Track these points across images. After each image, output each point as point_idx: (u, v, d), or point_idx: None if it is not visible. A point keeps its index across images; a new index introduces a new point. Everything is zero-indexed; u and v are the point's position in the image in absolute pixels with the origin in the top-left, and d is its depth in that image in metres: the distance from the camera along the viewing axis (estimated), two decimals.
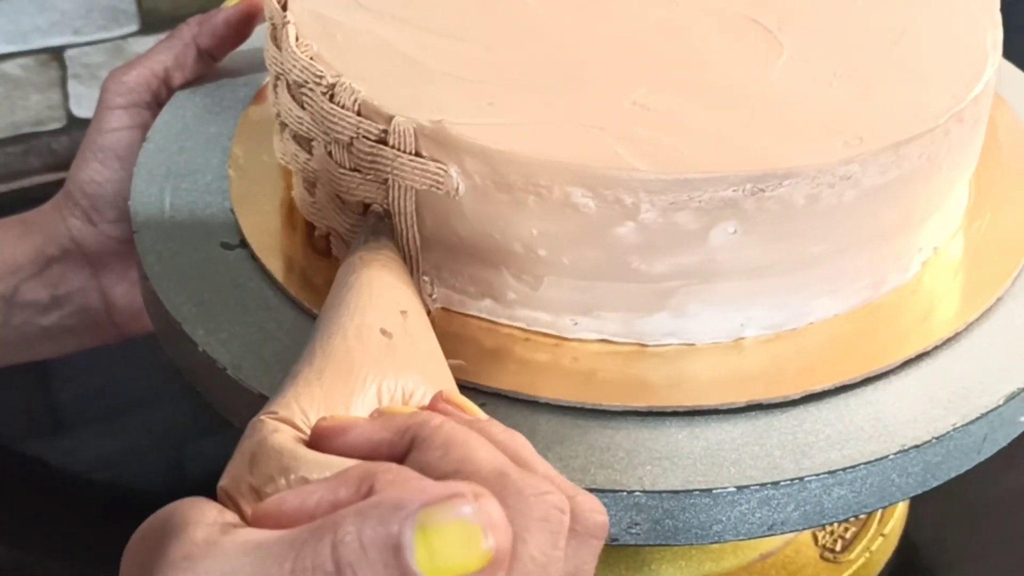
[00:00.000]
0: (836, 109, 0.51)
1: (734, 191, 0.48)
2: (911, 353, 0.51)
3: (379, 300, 0.45)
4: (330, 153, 0.52)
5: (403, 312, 0.45)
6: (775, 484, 0.47)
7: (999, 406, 0.50)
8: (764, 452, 0.48)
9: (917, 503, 0.67)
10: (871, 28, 0.56)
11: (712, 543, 0.48)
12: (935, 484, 0.50)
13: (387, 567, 0.32)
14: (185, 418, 0.72)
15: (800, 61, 0.53)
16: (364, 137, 0.50)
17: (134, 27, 0.92)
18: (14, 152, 0.92)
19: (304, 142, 0.54)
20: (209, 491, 0.68)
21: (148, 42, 0.89)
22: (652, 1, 0.57)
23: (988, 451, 0.51)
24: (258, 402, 0.50)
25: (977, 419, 0.49)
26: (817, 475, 0.47)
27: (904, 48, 0.54)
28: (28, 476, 0.71)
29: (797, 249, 0.50)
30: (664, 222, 0.48)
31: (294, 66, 0.53)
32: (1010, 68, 0.66)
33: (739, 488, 0.46)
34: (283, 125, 0.56)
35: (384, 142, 0.50)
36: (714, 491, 0.46)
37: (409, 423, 0.37)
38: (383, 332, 0.43)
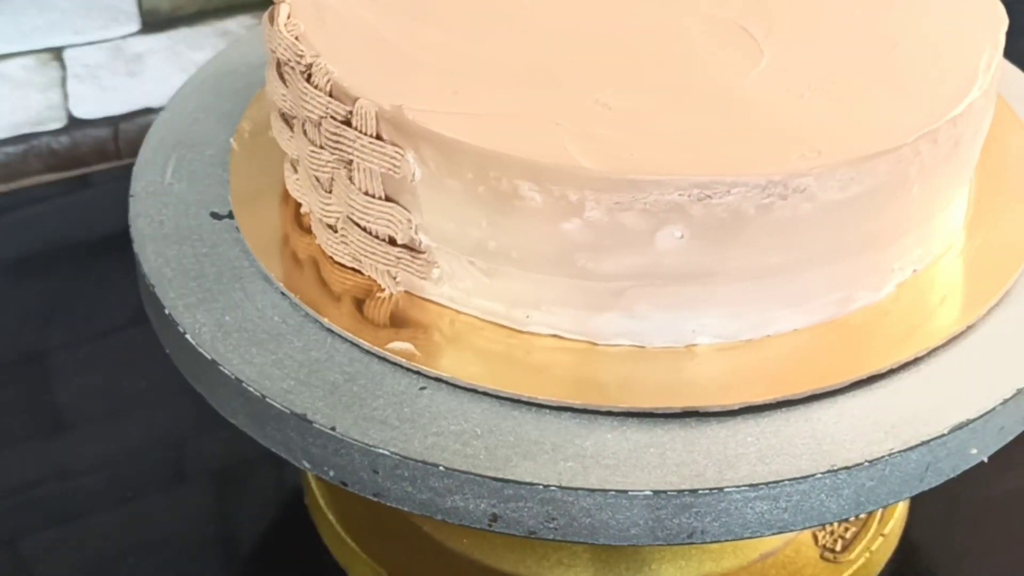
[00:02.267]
0: (801, 120, 0.50)
1: (680, 195, 0.47)
2: (863, 374, 0.50)
3: None
4: (305, 131, 0.53)
5: None
6: (694, 492, 0.47)
7: (942, 435, 0.49)
8: (690, 459, 0.48)
9: (917, 503, 0.67)
10: (863, 41, 0.55)
11: (612, 544, 0.48)
12: (870, 508, 0.49)
13: None
14: (185, 418, 0.73)
15: (778, 70, 0.52)
16: (331, 117, 0.51)
17: (134, 27, 0.92)
18: (14, 152, 0.92)
19: (288, 120, 0.55)
20: (210, 491, 0.69)
21: (148, 42, 0.89)
22: (645, 3, 0.56)
23: (933, 480, 0.50)
24: (211, 367, 0.52)
25: (917, 446, 0.48)
26: (738, 487, 0.47)
27: (891, 63, 0.53)
28: (28, 476, 0.71)
29: (749, 258, 0.49)
30: (610, 221, 0.48)
31: (279, 44, 0.54)
32: (1011, 69, 0.64)
33: (619, 492, 0.46)
34: (273, 102, 0.57)
35: (349, 123, 0.51)
36: (606, 492, 0.46)
37: None
38: None
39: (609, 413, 0.49)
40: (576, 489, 0.47)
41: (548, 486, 0.47)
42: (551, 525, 0.47)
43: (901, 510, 0.66)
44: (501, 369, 0.51)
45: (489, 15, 0.56)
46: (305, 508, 0.67)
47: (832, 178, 0.48)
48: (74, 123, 0.94)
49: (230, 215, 0.58)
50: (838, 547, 0.64)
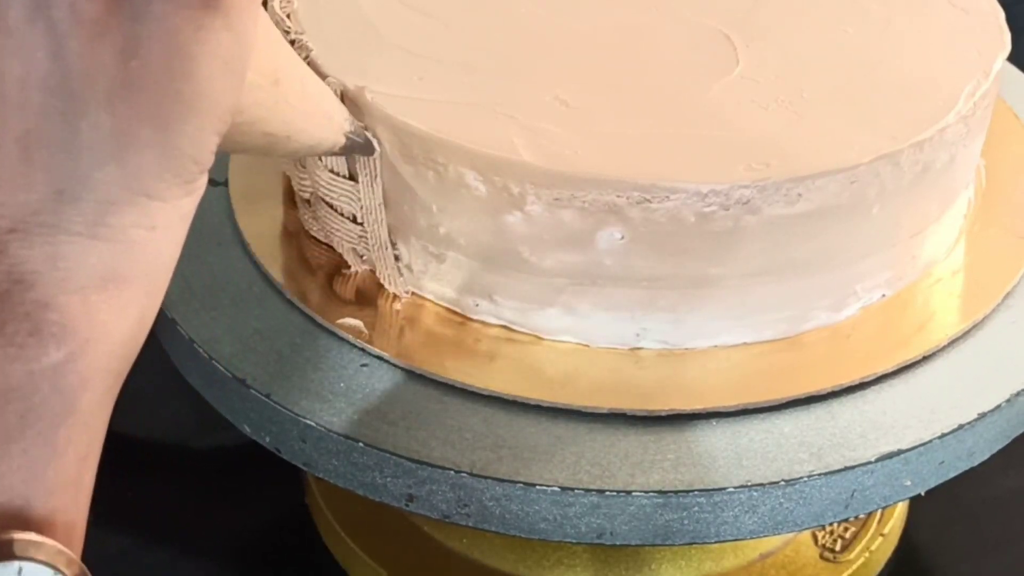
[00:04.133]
0: (758, 132, 0.49)
1: (618, 197, 0.47)
2: (799, 394, 0.50)
3: None
4: None
5: None
6: (601, 492, 0.47)
7: (868, 463, 0.48)
8: (604, 460, 0.48)
9: (917, 503, 0.67)
10: (846, 59, 0.54)
11: (538, 538, 0.48)
12: (790, 529, 0.48)
13: None
14: (185, 418, 0.73)
15: (748, 80, 0.52)
16: None
17: None
18: None
19: None
20: (210, 490, 0.69)
21: None
22: (634, 5, 0.56)
23: (860, 508, 0.49)
24: (171, 326, 0.53)
25: (840, 471, 0.47)
26: (646, 492, 0.46)
27: (868, 83, 0.52)
28: None
29: (690, 266, 0.49)
30: (550, 217, 0.48)
31: (272, 19, 0.55)
32: (1011, 69, 0.63)
33: (527, 485, 0.46)
34: None
35: None
36: (514, 483, 0.46)
37: None
38: None
39: (539, 407, 0.50)
40: (486, 478, 0.47)
41: (459, 471, 0.47)
42: (464, 511, 0.48)
43: (901, 510, 0.66)
44: (445, 354, 0.51)
45: (475, 5, 0.56)
46: (305, 508, 0.68)
47: (777, 192, 0.48)
48: None
49: (226, 183, 0.60)
50: (838, 547, 0.64)
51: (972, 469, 0.51)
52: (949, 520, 0.68)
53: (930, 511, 0.67)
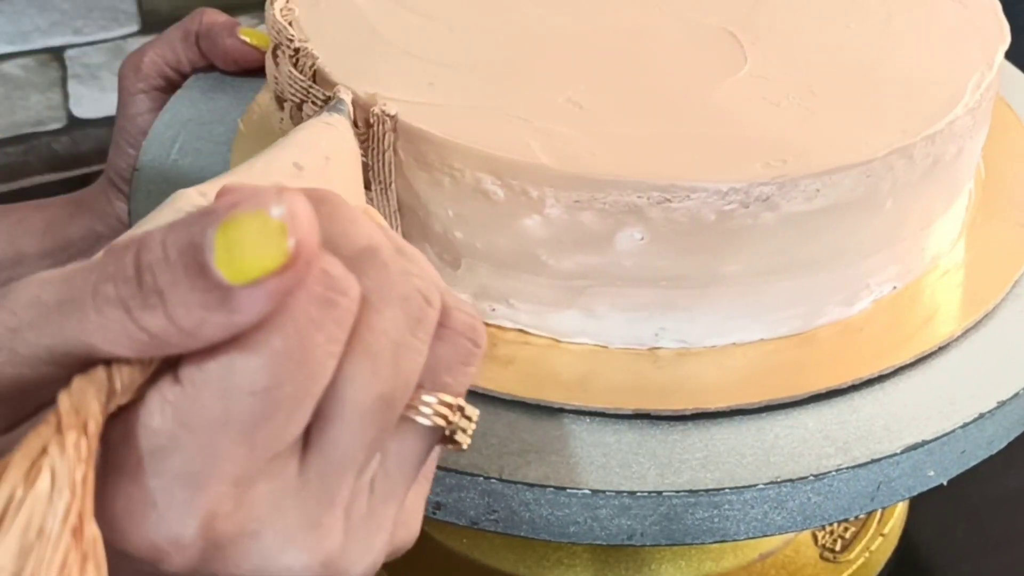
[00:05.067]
0: (772, 129, 0.50)
1: (638, 197, 0.47)
2: (820, 388, 0.50)
3: (303, 141, 0.43)
4: (291, 114, 0.54)
5: (327, 158, 0.43)
6: (632, 494, 0.47)
7: (894, 455, 0.48)
8: (633, 461, 0.48)
9: (917, 503, 0.67)
10: (852, 55, 0.54)
11: (567, 541, 0.48)
12: (819, 523, 0.49)
13: (187, 269, 0.29)
14: None
15: (757, 78, 0.52)
16: (312, 102, 0.52)
17: (134, 27, 0.93)
18: (14, 152, 0.92)
19: (279, 102, 0.56)
20: None
21: None
22: (637, 5, 0.56)
23: (885, 500, 0.49)
24: None
25: (867, 464, 0.48)
26: (677, 493, 0.47)
27: (875, 78, 0.53)
28: None
29: (709, 265, 0.49)
30: (569, 219, 0.48)
31: (273, 27, 0.55)
32: (1011, 69, 0.64)
33: (557, 489, 0.46)
34: (269, 84, 0.58)
35: None
36: (545, 488, 0.46)
37: (310, 195, 0.33)
38: (295, 165, 0.41)
39: (562, 410, 0.49)
40: (516, 483, 0.47)
41: (489, 478, 0.47)
42: (492, 517, 0.48)
43: (901, 510, 0.66)
44: None
45: (475, 7, 0.56)
46: None
47: (796, 189, 0.48)
48: (74, 123, 0.93)
49: None
50: (838, 547, 0.64)
51: (972, 468, 0.51)
52: (949, 520, 0.68)
53: (930, 511, 0.67)
